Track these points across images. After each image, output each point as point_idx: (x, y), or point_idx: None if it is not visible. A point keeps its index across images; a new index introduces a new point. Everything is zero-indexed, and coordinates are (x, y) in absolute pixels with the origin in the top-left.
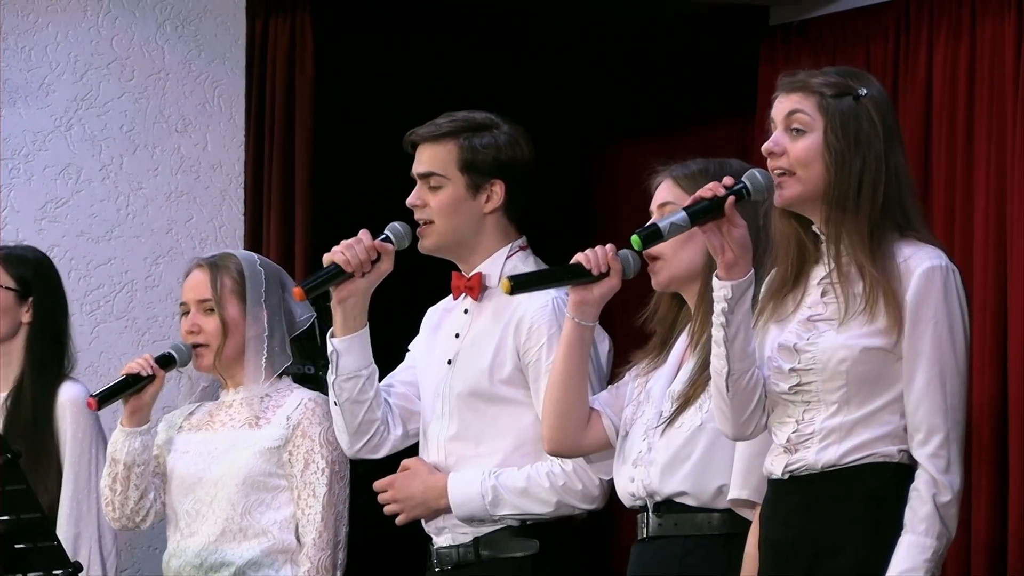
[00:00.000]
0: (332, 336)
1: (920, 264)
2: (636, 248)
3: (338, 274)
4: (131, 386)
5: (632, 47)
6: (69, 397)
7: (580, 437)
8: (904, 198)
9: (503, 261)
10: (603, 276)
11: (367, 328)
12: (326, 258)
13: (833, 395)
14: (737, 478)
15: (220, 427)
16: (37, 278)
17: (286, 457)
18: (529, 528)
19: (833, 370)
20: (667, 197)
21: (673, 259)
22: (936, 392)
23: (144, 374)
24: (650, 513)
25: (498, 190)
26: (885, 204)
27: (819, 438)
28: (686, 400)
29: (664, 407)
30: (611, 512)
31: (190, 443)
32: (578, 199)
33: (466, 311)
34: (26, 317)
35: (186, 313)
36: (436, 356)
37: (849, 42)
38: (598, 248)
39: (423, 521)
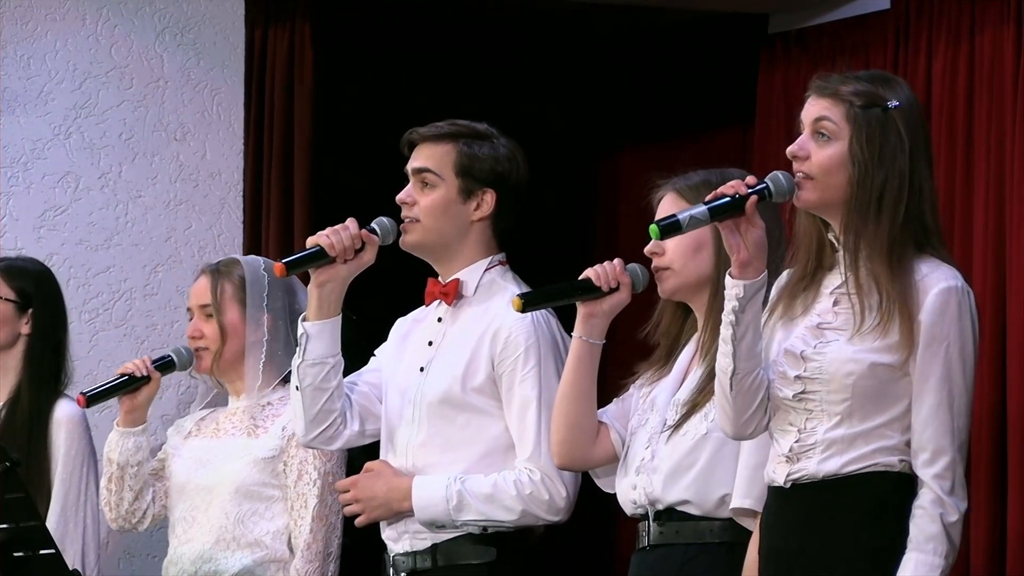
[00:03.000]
0: (304, 320)
1: (936, 284)
2: (654, 238)
3: (320, 255)
4: (124, 387)
5: (631, 56)
6: (65, 415)
7: (589, 451)
8: (925, 215)
9: (482, 272)
10: (613, 291)
11: (340, 317)
12: (311, 240)
13: (837, 407)
14: (740, 487)
15: (222, 435)
16: (37, 290)
17: (281, 467)
18: (488, 537)
19: (839, 382)
20: (671, 210)
21: (682, 268)
22: (944, 414)
23: (139, 374)
24: (651, 521)
25: (489, 199)
26: (906, 219)
27: (821, 448)
28: (692, 408)
29: (668, 415)
30: (611, 521)
31: (191, 449)
32: (578, 208)
33: (440, 319)
34: (25, 329)
35: (192, 318)
36: (406, 364)
37: (848, 50)
38: (607, 263)
39: (381, 528)
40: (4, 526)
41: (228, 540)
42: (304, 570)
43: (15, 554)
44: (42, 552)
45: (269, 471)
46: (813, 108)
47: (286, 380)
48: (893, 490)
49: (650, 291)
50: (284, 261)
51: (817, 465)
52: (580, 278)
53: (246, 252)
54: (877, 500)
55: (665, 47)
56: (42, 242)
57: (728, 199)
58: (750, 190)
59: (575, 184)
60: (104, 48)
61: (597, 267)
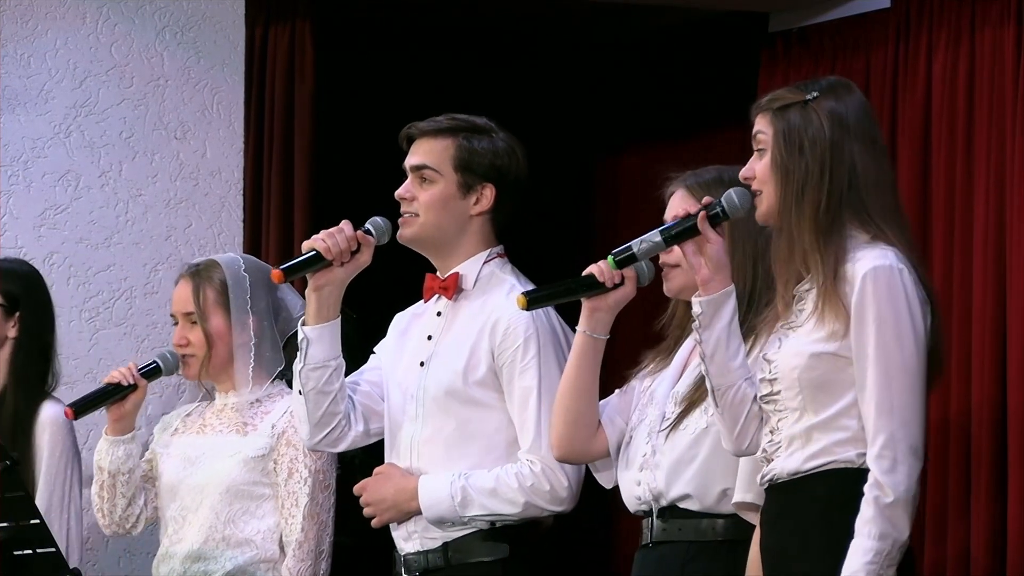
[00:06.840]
0: (303, 324)
1: (865, 266)
2: (612, 268)
3: (317, 259)
4: (110, 396)
5: (633, 56)
6: (49, 416)
7: (589, 445)
8: (861, 194)
9: (480, 265)
10: (617, 286)
11: (339, 319)
12: (306, 244)
13: (793, 402)
14: (742, 482)
15: (209, 431)
16: (26, 293)
17: (271, 466)
18: (498, 532)
19: (789, 377)
20: (681, 207)
21: (689, 267)
22: (881, 392)
23: (125, 383)
24: (654, 518)
25: (488, 194)
26: (831, 204)
27: (785, 445)
28: (691, 403)
29: (667, 408)
30: (612, 518)
31: (178, 447)
32: (580, 207)
33: (439, 313)
34: (12, 332)
35: (177, 323)
36: (406, 359)
37: (849, 49)
38: None
39: (391, 528)
40: (4, 525)
41: (218, 539)
42: (296, 569)
43: (15, 553)
44: (42, 551)
45: (259, 470)
46: (753, 128)
47: (275, 378)
48: (852, 487)
49: (658, 290)
50: (281, 268)
51: (782, 463)
52: (584, 274)
53: (246, 250)
54: (835, 497)
55: (665, 47)
56: (42, 240)
57: (679, 221)
58: (701, 209)
59: (575, 184)
60: (104, 47)
61: (601, 263)
